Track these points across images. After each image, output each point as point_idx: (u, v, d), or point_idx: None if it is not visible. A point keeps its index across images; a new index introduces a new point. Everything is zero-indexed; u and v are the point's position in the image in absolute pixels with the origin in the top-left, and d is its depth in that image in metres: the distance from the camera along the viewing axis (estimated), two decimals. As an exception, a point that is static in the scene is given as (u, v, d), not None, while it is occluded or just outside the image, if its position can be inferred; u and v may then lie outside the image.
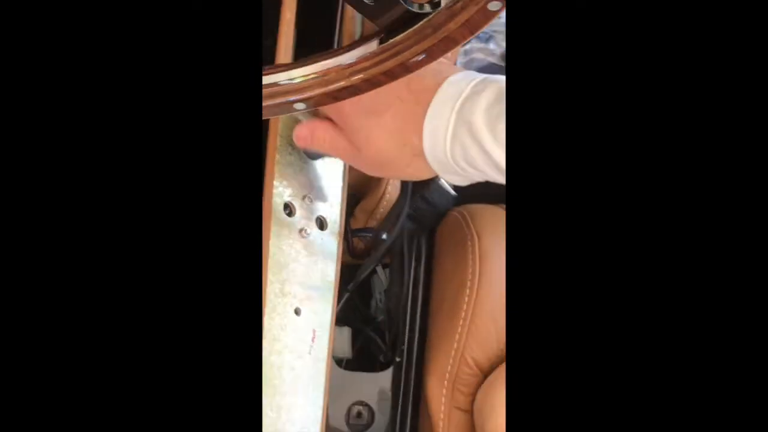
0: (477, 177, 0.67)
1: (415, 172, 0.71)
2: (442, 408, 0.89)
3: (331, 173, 0.80)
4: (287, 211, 0.76)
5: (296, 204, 0.77)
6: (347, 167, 0.79)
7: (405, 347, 0.93)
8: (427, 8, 0.53)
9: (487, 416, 0.84)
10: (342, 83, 0.58)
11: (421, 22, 0.55)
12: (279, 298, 0.75)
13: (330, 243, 0.78)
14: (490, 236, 0.88)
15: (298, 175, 0.78)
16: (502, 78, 0.65)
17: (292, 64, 0.60)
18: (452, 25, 0.54)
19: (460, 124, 0.64)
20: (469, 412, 0.88)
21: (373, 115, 0.70)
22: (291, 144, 0.76)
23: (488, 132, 0.62)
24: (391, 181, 0.90)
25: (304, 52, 0.73)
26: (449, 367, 0.89)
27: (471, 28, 0.54)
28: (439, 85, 0.67)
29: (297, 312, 0.76)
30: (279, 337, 0.75)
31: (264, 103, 0.62)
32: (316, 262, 0.78)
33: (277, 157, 0.76)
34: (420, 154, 0.68)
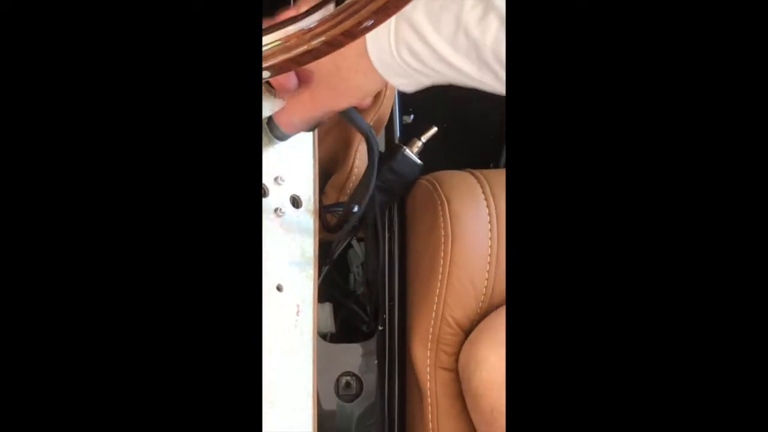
0: (424, 79, 0.69)
1: (368, 83, 0.74)
2: (428, 369, 0.90)
3: (300, 152, 0.82)
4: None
5: (268, 185, 0.78)
6: (316, 145, 0.81)
7: (386, 315, 0.93)
8: None
9: (472, 372, 0.84)
10: (304, 47, 0.58)
11: None
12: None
13: (306, 220, 0.79)
14: (458, 200, 0.87)
15: (268, 157, 0.80)
16: None
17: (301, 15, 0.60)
18: None
19: (400, 21, 0.64)
20: (454, 370, 0.88)
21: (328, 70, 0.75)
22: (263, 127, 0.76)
23: (429, 24, 0.63)
24: (358, 155, 0.90)
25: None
26: (431, 329, 0.89)
27: None
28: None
29: (279, 288, 0.78)
30: (263, 314, 0.71)
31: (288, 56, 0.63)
32: (294, 239, 0.79)
33: None
34: (368, 65, 0.71)
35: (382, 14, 0.57)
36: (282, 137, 0.78)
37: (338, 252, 0.89)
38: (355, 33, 0.59)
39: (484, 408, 0.84)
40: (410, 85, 0.70)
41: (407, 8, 0.61)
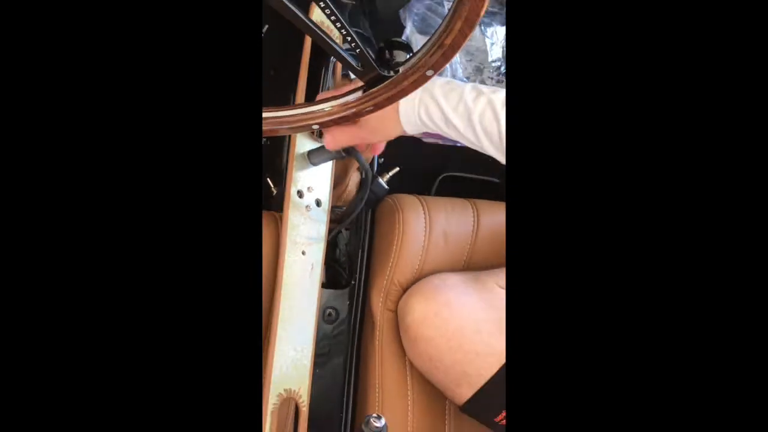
0: (431, 128, 0.70)
1: (394, 130, 0.72)
2: (380, 309, 0.95)
3: (324, 173, 0.87)
4: (299, 195, 0.84)
5: (304, 191, 0.85)
6: (333, 170, 0.87)
7: (357, 275, 0.99)
8: (392, 73, 0.53)
9: (404, 314, 0.88)
10: (340, 114, 0.59)
11: (387, 81, 0.59)
12: (292, 246, 0.82)
13: (322, 214, 0.87)
14: (407, 211, 0.94)
15: (306, 175, 0.85)
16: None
17: (313, 103, 0.64)
18: (405, 83, 0.59)
19: (424, 93, 0.67)
20: (394, 311, 0.93)
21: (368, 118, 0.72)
22: (303, 156, 0.84)
23: (442, 96, 0.66)
24: (351, 179, 0.96)
25: (311, 92, 0.82)
26: (384, 286, 0.94)
27: (416, 85, 0.58)
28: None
29: (303, 253, 0.83)
30: (292, 268, 0.82)
31: (294, 126, 0.64)
32: (314, 225, 0.85)
33: (294, 164, 0.84)
34: (397, 119, 0.70)
35: (390, 100, 0.55)
36: (316, 164, 0.84)
37: (332, 235, 0.95)
38: (372, 110, 0.62)
39: (410, 336, 0.87)
40: (416, 130, 0.72)
41: (429, 86, 0.65)
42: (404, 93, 0.56)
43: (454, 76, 1.16)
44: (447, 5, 1.24)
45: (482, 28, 1.18)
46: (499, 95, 0.63)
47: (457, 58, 1.17)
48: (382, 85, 0.56)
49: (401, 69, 0.55)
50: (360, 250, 0.98)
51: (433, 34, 0.52)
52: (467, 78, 1.16)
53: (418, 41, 1.17)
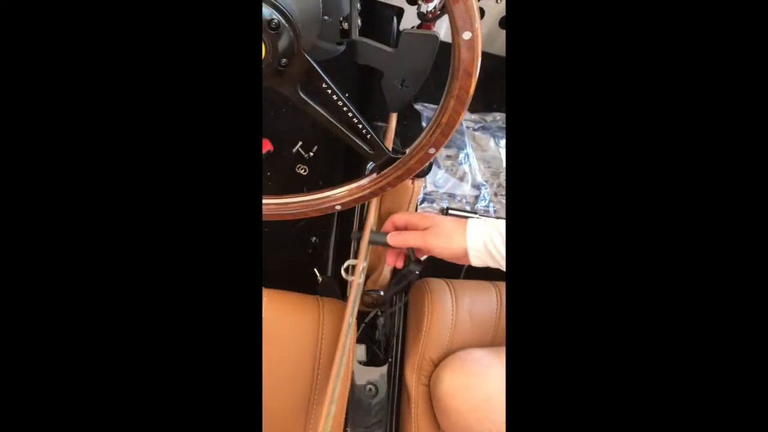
0: (493, 255, 0.67)
1: (457, 249, 0.69)
2: (414, 384, 0.88)
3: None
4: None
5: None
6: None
7: (393, 353, 0.96)
8: (399, 155, 0.50)
9: (435, 388, 0.82)
10: (358, 195, 0.55)
11: (396, 162, 0.58)
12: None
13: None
14: (436, 293, 0.89)
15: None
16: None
17: (332, 187, 0.61)
18: (411, 162, 0.58)
19: (491, 225, 0.67)
20: (427, 385, 0.87)
21: (448, 244, 0.70)
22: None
23: (500, 239, 0.65)
24: (385, 266, 0.86)
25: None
26: (417, 362, 0.88)
27: (420, 163, 0.57)
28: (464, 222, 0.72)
29: None
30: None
31: (318, 208, 0.61)
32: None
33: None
34: (464, 237, 0.68)
35: (401, 178, 0.53)
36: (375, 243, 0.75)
37: (369, 317, 0.84)
38: (386, 189, 0.60)
39: (442, 408, 0.80)
40: (477, 263, 0.70)
41: (496, 222, 0.68)
42: (411, 171, 0.54)
43: (474, 181, 1.13)
44: (465, 124, 1.24)
45: (496, 140, 1.17)
46: None
47: (476, 165, 1.16)
48: (391, 166, 0.54)
49: (407, 150, 0.53)
50: (394, 330, 0.94)
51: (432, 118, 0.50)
52: (486, 182, 1.13)
53: (441, 155, 1.17)
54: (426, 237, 0.70)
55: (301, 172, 1.03)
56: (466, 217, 1.09)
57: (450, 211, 1.08)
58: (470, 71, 0.45)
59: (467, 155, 1.17)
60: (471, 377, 0.78)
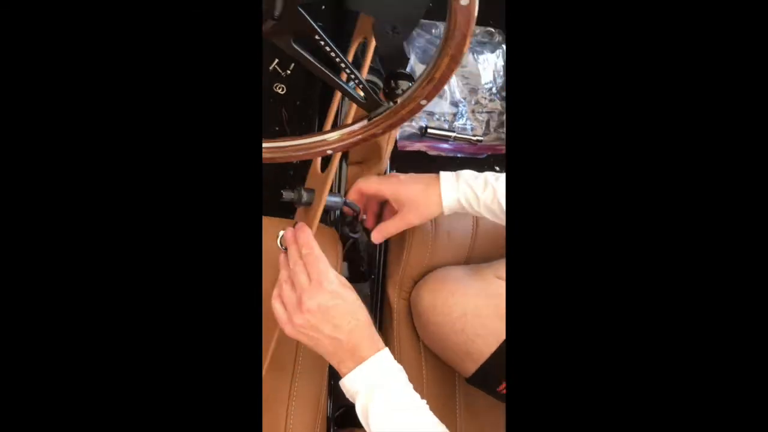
0: (465, 209, 0.77)
1: (434, 213, 0.78)
2: (395, 299, 0.92)
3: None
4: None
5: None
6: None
7: (376, 270, 0.98)
8: (391, 104, 0.51)
9: (416, 303, 0.87)
10: (350, 140, 0.58)
11: (387, 111, 0.57)
12: None
13: None
14: None
15: None
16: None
17: (328, 131, 0.61)
18: (403, 112, 0.58)
19: (460, 181, 0.74)
20: (407, 300, 0.91)
21: (414, 188, 0.77)
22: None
23: (474, 183, 0.73)
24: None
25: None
26: (398, 279, 0.92)
27: (412, 113, 0.57)
28: (436, 177, 0.77)
29: None
30: None
31: (311, 152, 0.61)
32: None
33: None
34: (439, 203, 0.76)
35: (391, 126, 0.54)
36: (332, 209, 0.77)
37: (349, 243, 0.92)
38: (376, 136, 0.59)
39: (422, 322, 0.86)
40: (450, 208, 0.77)
41: (463, 176, 0.74)
42: (402, 120, 0.55)
43: (453, 98, 1.14)
44: (444, 37, 1.22)
45: (475, 55, 1.16)
46: None
47: (454, 81, 1.15)
48: (382, 114, 0.55)
49: (399, 100, 0.54)
50: (377, 250, 0.96)
51: (424, 70, 0.50)
52: (464, 98, 1.14)
53: (420, 70, 1.15)
54: (405, 219, 0.77)
55: (279, 90, 1.02)
56: (442, 137, 1.11)
57: (429, 130, 1.09)
58: (465, 33, 0.45)
59: (446, 72, 1.16)
60: (449, 295, 0.83)
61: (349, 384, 0.59)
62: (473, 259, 0.96)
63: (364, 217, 0.86)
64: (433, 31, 1.16)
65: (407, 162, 1.07)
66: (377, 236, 0.80)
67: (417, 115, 1.17)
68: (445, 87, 1.21)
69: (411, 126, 1.12)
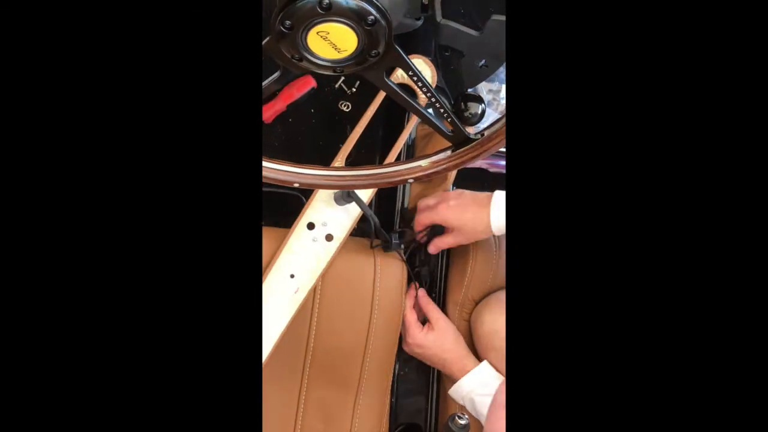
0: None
1: (484, 234, 0.81)
2: (456, 319, 0.91)
3: (346, 215, 0.79)
4: (309, 227, 0.77)
5: (317, 224, 0.77)
6: (359, 215, 0.79)
7: (436, 288, 0.95)
8: (477, 136, 0.51)
9: (476, 327, 0.87)
10: (432, 170, 0.58)
11: (475, 142, 0.55)
12: (283, 265, 0.76)
13: (329, 249, 0.78)
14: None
15: (326, 210, 0.78)
16: None
17: (409, 160, 0.59)
18: (489, 145, 0.54)
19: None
20: (468, 320, 0.91)
21: (462, 215, 0.81)
22: (330, 194, 0.77)
23: None
24: None
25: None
26: (459, 300, 0.91)
27: (499, 146, 0.53)
28: (490, 197, 0.79)
29: (291, 276, 0.76)
30: (271, 284, 0.75)
31: (392, 180, 0.59)
32: (313, 256, 0.77)
33: (316, 195, 0.77)
34: (488, 225, 0.78)
35: (477, 158, 0.55)
36: (339, 203, 0.77)
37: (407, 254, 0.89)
38: (458, 167, 0.57)
39: (482, 346, 0.85)
40: (500, 230, 0.80)
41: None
42: (487, 153, 0.54)
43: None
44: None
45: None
46: None
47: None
48: (468, 146, 0.55)
49: (486, 133, 0.54)
50: (438, 267, 0.95)
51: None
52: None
53: (483, 89, 1.14)
54: (457, 238, 0.82)
55: (344, 108, 1.02)
56: (503, 154, 1.10)
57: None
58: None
59: (509, 89, 1.14)
60: None
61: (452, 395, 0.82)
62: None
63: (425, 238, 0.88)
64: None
65: (468, 179, 1.06)
66: (433, 249, 0.85)
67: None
68: (502, 101, 1.20)
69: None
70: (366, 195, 0.78)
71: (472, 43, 0.50)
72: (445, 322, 0.86)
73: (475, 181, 1.09)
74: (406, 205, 0.93)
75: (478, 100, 0.79)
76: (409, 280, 0.89)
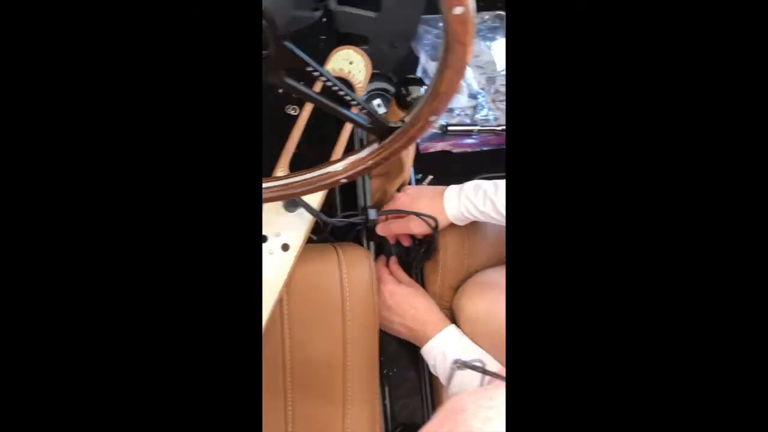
0: (470, 218, 0.79)
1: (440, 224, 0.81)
2: None
3: (299, 222, 0.75)
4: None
5: (270, 236, 0.73)
6: (312, 223, 0.76)
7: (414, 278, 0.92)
8: (400, 124, 0.47)
9: (458, 314, 0.84)
10: (361, 167, 0.52)
11: (397, 132, 0.53)
12: None
13: (286, 259, 0.73)
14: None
15: (277, 220, 0.74)
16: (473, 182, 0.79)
17: (331, 162, 0.57)
18: (413, 131, 0.53)
19: (461, 196, 0.77)
20: (450, 308, 0.88)
21: (418, 202, 0.81)
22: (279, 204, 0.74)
23: (474, 197, 0.76)
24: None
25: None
26: (437, 289, 0.89)
27: (422, 131, 0.52)
28: (442, 189, 0.81)
29: None
30: None
31: (322, 184, 0.57)
32: (271, 270, 0.72)
33: (264, 207, 0.73)
34: (445, 215, 0.80)
35: (402, 147, 0.50)
36: (289, 210, 0.74)
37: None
38: (388, 158, 0.54)
39: (468, 333, 0.81)
40: (461, 222, 0.81)
41: (465, 189, 0.77)
42: (412, 140, 0.51)
43: (470, 90, 1.08)
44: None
45: (487, 43, 1.10)
46: None
47: (470, 73, 1.09)
48: (392, 136, 0.51)
49: (407, 119, 0.50)
50: (418, 265, 0.92)
51: (429, 86, 0.46)
52: (482, 89, 1.08)
53: (432, 69, 1.10)
54: (411, 224, 0.80)
55: (292, 112, 0.99)
56: (465, 132, 1.05)
57: (450, 128, 1.04)
58: (464, 41, 0.41)
59: (460, 65, 1.10)
60: (490, 303, 0.79)
61: (424, 355, 0.80)
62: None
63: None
64: (440, 24, 1.11)
65: (432, 164, 1.03)
66: (382, 228, 0.84)
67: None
68: (461, 81, 1.16)
69: (432, 127, 1.07)
70: (317, 196, 0.75)
71: (373, 25, 0.46)
72: (418, 285, 0.86)
73: (438, 164, 1.05)
74: (368, 202, 0.90)
75: (419, 82, 0.75)
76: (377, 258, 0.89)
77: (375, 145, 0.54)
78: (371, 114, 0.50)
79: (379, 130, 0.52)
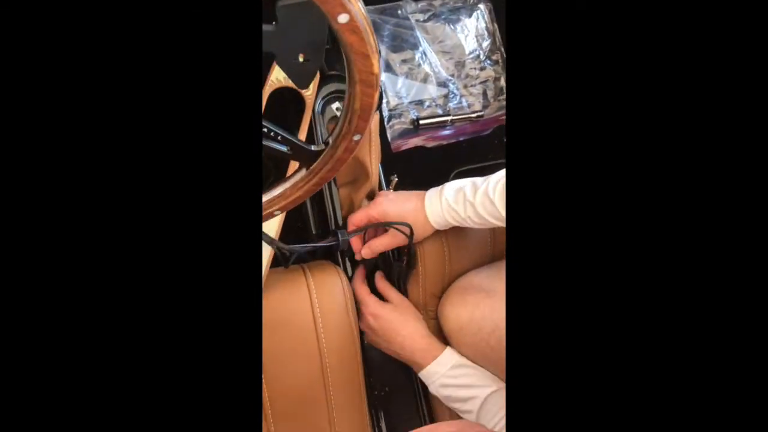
0: (454, 224, 0.73)
1: (424, 233, 0.75)
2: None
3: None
4: None
5: None
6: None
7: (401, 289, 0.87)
8: (323, 147, 0.42)
9: (443, 324, 0.79)
10: (295, 196, 0.46)
11: (323, 155, 0.47)
12: None
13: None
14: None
15: None
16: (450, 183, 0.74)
17: (264, 191, 0.53)
18: (339, 152, 0.46)
19: (444, 203, 0.72)
20: (435, 318, 0.83)
21: (402, 206, 0.75)
22: None
23: (454, 203, 0.71)
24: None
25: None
26: (421, 299, 0.83)
27: (349, 152, 0.47)
28: (424, 193, 0.75)
29: None
30: None
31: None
32: None
33: None
34: (428, 223, 0.74)
35: (331, 170, 0.45)
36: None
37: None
38: (320, 184, 0.53)
39: (454, 343, 0.77)
40: (443, 227, 0.75)
41: (445, 195, 0.71)
42: (342, 161, 0.46)
43: (439, 78, 1.01)
44: (413, 18, 1.09)
45: (451, 25, 1.02)
46: (490, 183, 0.67)
47: (436, 60, 1.02)
48: (318, 160, 0.45)
49: (330, 141, 0.44)
50: (401, 278, 0.85)
51: (342, 108, 0.40)
52: (451, 76, 1.01)
53: (395, 61, 1.03)
54: (396, 237, 0.75)
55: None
56: (438, 124, 0.98)
57: (421, 121, 0.97)
58: (365, 52, 0.34)
59: (424, 53, 1.03)
60: (474, 309, 0.75)
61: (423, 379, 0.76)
62: (499, 254, 0.85)
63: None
64: (399, 12, 1.03)
65: (406, 162, 0.96)
66: (366, 252, 0.77)
67: (405, 108, 1.06)
68: (428, 70, 1.09)
69: (401, 122, 1.01)
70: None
71: (275, 40, 0.41)
72: (407, 302, 0.79)
73: (413, 161, 0.99)
74: (338, 215, 0.84)
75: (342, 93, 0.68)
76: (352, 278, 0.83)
77: (303, 171, 0.49)
78: (287, 140, 0.44)
79: (302, 156, 0.46)
